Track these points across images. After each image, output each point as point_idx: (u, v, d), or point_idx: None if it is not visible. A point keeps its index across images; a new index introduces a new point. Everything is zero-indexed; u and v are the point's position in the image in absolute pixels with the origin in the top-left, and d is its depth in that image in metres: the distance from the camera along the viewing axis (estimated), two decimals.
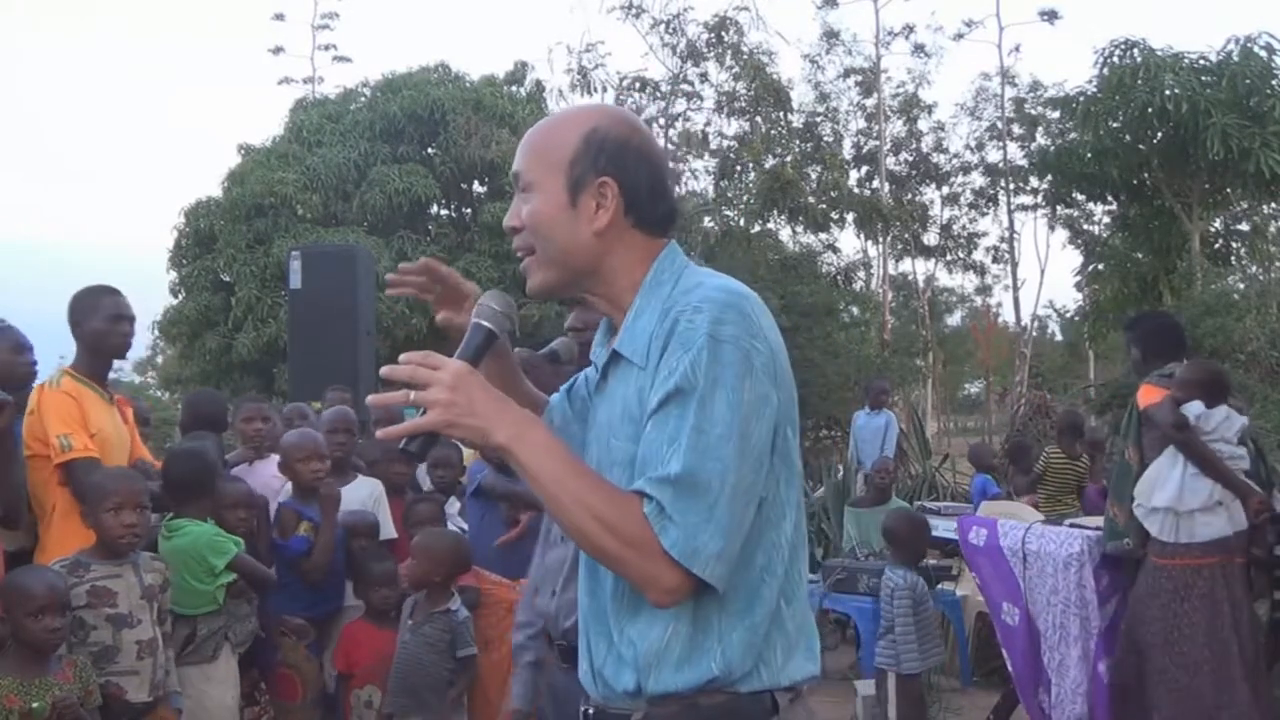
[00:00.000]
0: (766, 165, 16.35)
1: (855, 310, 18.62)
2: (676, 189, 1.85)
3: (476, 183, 19.27)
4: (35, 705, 3.03)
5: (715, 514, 1.55)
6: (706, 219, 16.46)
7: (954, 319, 39.00)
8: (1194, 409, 4.56)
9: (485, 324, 1.74)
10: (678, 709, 1.64)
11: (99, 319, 3.89)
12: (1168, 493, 4.55)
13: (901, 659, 4.97)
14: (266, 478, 4.72)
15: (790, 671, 1.66)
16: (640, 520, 1.55)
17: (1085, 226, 24.20)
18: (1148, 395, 4.70)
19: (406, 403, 1.60)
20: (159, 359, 37.35)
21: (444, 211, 19.65)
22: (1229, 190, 14.52)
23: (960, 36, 25.82)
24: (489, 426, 1.58)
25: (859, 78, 24.82)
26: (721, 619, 1.62)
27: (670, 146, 16.62)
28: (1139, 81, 13.26)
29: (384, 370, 1.63)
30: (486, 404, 1.59)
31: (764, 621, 1.64)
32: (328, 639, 4.49)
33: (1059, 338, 39.78)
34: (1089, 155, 14.44)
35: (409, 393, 1.60)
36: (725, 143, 17.07)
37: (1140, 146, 14.12)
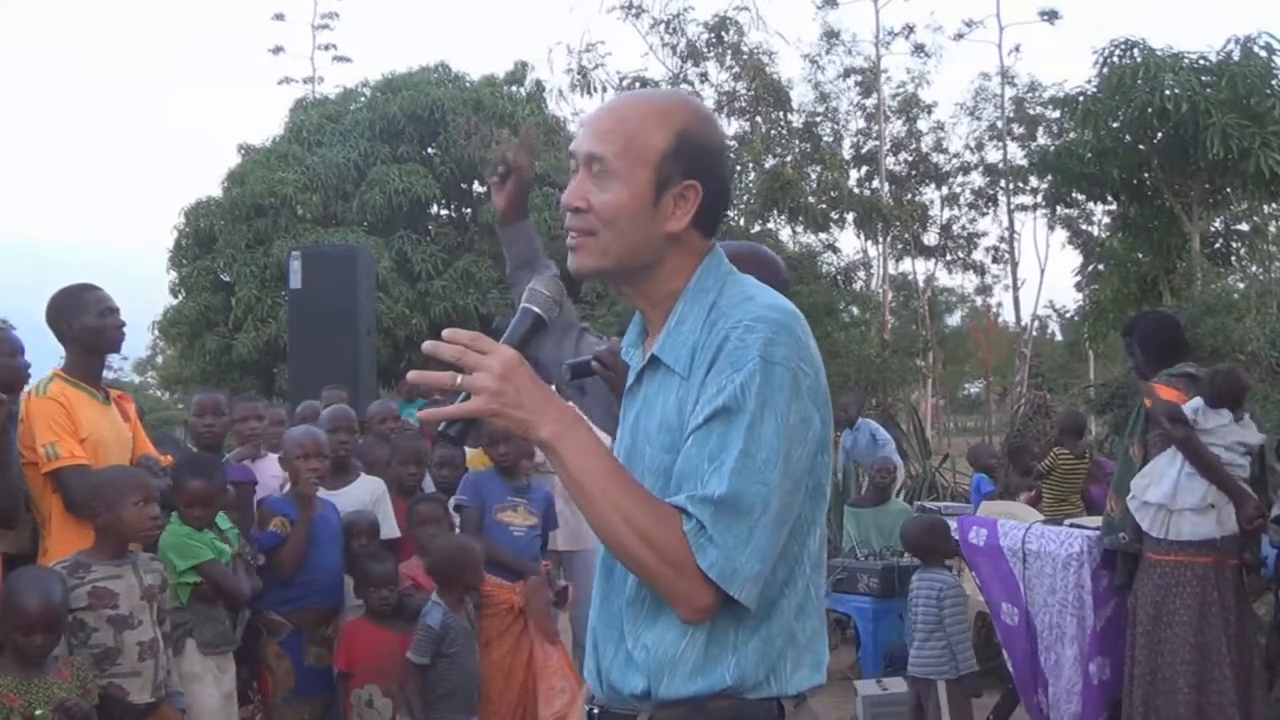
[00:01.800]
0: (766, 165, 16.34)
1: (855, 310, 18.59)
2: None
3: (476, 183, 19.25)
4: (38, 713, 3.02)
5: (755, 537, 1.55)
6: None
7: (954, 319, 38.97)
8: (1194, 405, 4.55)
9: (534, 309, 1.70)
10: (685, 712, 1.64)
11: (90, 316, 3.84)
12: (1162, 489, 4.55)
13: (960, 661, 4.91)
14: (266, 476, 4.73)
15: (797, 682, 1.67)
16: (679, 537, 1.54)
17: (1085, 227, 24.18)
18: (1161, 394, 4.69)
19: (452, 386, 1.57)
20: (159, 359, 37.33)
21: (444, 211, 19.64)
22: (1229, 190, 14.50)
23: (960, 36, 25.75)
24: (535, 420, 1.56)
25: (859, 78, 24.78)
26: (738, 631, 1.62)
27: None
28: (1139, 81, 13.23)
29: (427, 345, 1.59)
30: (534, 396, 1.56)
31: (779, 634, 1.65)
32: (318, 637, 4.50)
33: (1059, 338, 39.73)
34: (1089, 155, 14.41)
35: (456, 376, 1.56)
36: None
37: (1140, 146, 14.10)
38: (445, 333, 1.60)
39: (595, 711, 1.75)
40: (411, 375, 1.64)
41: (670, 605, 1.59)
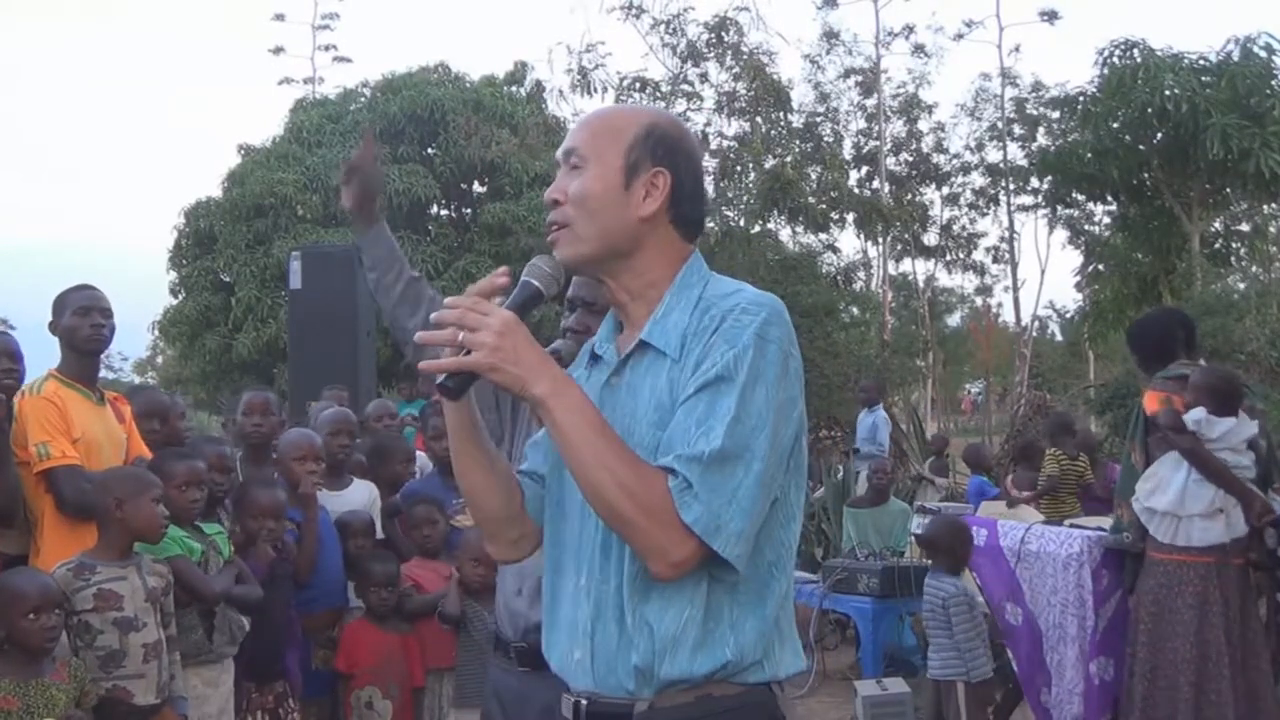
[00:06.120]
0: (766, 165, 16.30)
1: (855, 310, 18.58)
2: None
3: (476, 183, 19.27)
4: None
5: (739, 496, 1.60)
6: (707, 219, 16.31)
7: (954, 319, 38.93)
8: (1195, 415, 4.54)
9: (534, 282, 1.78)
10: (691, 699, 1.67)
11: (68, 314, 3.87)
12: (1169, 497, 4.54)
13: (971, 667, 4.91)
14: None
15: (785, 666, 1.74)
16: (663, 491, 1.59)
17: (1085, 227, 24.16)
18: (1150, 400, 4.70)
19: (455, 342, 1.63)
20: (159, 359, 37.30)
21: (444, 212, 19.65)
22: (1229, 190, 14.52)
23: (960, 37, 25.73)
24: (530, 377, 1.61)
25: (859, 78, 24.76)
26: (733, 608, 1.68)
27: None
28: (1139, 82, 13.26)
29: (434, 315, 1.66)
30: (531, 355, 1.63)
31: (774, 614, 1.71)
32: (324, 639, 4.49)
33: (1059, 338, 39.68)
34: (1089, 155, 14.44)
35: (458, 332, 1.62)
36: (725, 143, 17.03)
37: (1140, 147, 14.12)
38: (448, 300, 1.67)
39: (582, 703, 1.73)
40: (418, 336, 1.69)
41: (645, 559, 1.62)
